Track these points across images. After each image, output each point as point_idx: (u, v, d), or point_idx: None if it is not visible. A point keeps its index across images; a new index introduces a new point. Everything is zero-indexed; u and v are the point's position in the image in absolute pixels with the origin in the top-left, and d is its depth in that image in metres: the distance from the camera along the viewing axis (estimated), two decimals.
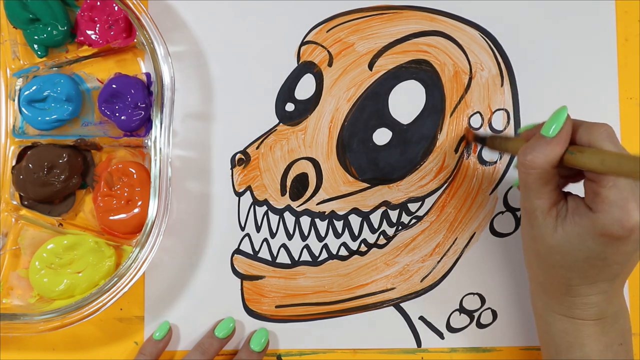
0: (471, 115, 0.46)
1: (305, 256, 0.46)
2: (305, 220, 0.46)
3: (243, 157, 0.47)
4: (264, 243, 0.46)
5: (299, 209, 0.46)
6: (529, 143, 0.35)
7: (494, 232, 0.46)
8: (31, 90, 0.45)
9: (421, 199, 0.46)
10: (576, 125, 0.35)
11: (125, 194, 0.45)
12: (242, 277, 0.46)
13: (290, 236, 0.46)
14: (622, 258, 0.34)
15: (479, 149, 0.46)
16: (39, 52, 0.46)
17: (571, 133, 0.35)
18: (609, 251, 0.34)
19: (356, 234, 0.46)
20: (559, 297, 0.37)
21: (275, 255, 0.46)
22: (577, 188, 0.37)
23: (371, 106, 0.46)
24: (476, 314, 0.46)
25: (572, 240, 0.34)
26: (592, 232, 0.33)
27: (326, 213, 0.46)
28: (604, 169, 0.32)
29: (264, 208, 0.46)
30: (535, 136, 0.35)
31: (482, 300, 0.46)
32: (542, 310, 0.38)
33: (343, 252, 0.46)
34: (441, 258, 0.46)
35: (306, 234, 0.46)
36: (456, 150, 0.46)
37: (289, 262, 0.46)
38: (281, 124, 0.47)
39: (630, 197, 0.32)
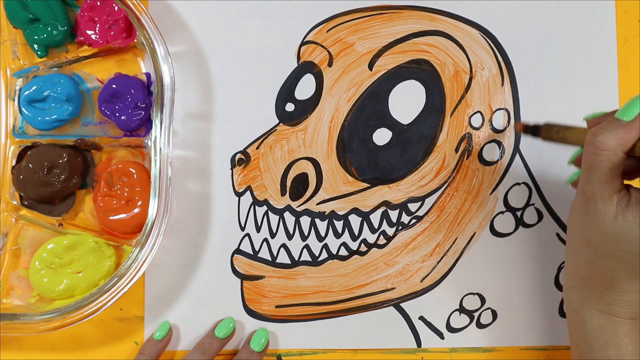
0: (472, 115, 0.46)
1: (305, 256, 0.46)
2: (305, 220, 0.46)
3: (243, 157, 0.47)
4: (264, 243, 0.46)
5: (299, 209, 0.46)
6: (602, 124, 0.34)
7: (494, 232, 0.46)
8: (31, 90, 0.45)
9: (421, 199, 0.46)
10: None
11: (125, 194, 0.45)
12: (242, 277, 0.46)
13: (290, 236, 0.46)
14: None
15: (511, 141, 0.44)
16: (39, 52, 0.46)
17: None
18: None
19: (356, 234, 0.46)
20: (600, 291, 0.35)
21: (275, 255, 0.46)
22: None
23: (371, 106, 0.46)
24: (476, 314, 0.46)
25: (632, 230, 0.33)
26: None
27: (326, 213, 0.46)
28: None
29: (264, 208, 0.46)
30: (609, 119, 0.34)
31: (482, 300, 0.46)
32: (577, 305, 0.37)
33: (343, 252, 0.46)
34: (441, 258, 0.46)
35: (306, 234, 0.46)
36: (456, 150, 0.46)
37: (289, 262, 0.46)
38: (281, 124, 0.47)
39: None
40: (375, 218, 0.46)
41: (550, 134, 0.39)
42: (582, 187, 0.35)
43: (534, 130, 0.41)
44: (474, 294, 0.46)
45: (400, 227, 0.46)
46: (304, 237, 0.46)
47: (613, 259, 0.34)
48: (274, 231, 0.46)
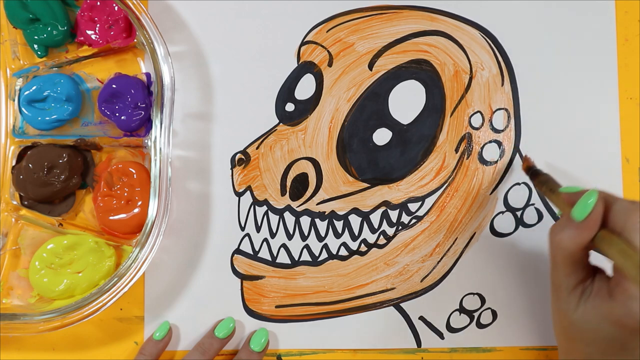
0: (472, 115, 0.46)
1: (305, 256, 0.46)
2: (305, 220, 0.46)
3: (243, 157, 0.47)
4: (264, 243, 0.46)
5: (299, 209, 0.46)
6: (560, 221, 0.35)
7: (494, 232, 0.46)
8: (31, 90, 0.45)
9: (421, 199, 0.46)
10: (610, 203, 0.34)
11: (125, 194, 0.45)
12: (242, 277, 0.46)
13: (290, 236, 0.46)
14: None
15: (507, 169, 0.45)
16: (39, 52, 0.46)
17: (603, 212, 0.34)
18: (628, 339, 0.33)
19: (356, 234, 0.46)
20: None
21: (275, 255, 0.46)
22: None
23: (371, 106, 0.46)
24: (476, 314, 0.46)
25: (591, 320, 0.34)
26: (609, 319, 0.33)
27: (326, 213, 0.46)
28: (623, 270, 0.32)
29: (264, 208, 0.46)
30: (566, 216, 0.35)
31: (482, 300, 0.46)
32: None
33: (343, 252, 0.46)
34: (441, 258, 0.46)
35: (306, 234, 0.46)
36: (456, 150, 0.46)
37: (289, 262, 0.46)
38: (281, 124, 0.47)
39: None
40: (375, 218, 0.46)
41: (541, 187, 0.41)
42: (551, 276, 0.37)
43: (533, 175, 0.43)
44: (474, 294, 0.46)
45: (400, 227, 0.46)
46: (304, 237, 0.46)
47: (583, 343, 0.35)
48: (274, 231, 0.46)
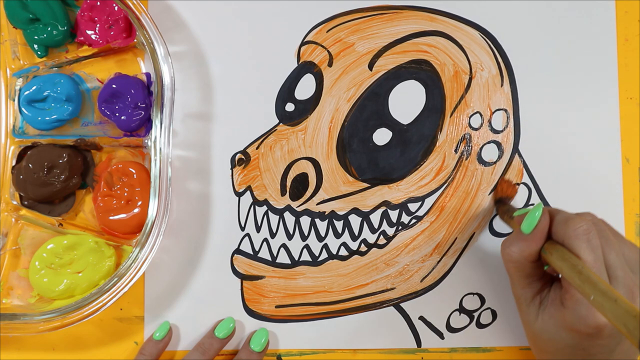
0: (471, 115, 0.46)
1: (305, 256, 0.46)
2: (305, 220, 0.46)
3: (243, 157, 0.47)
4: (264, 243, 0.46)
5: (299, 209, 0.46)
6: (510, 236, 0.37)
7: (493, 232, 0.46)
8: (31, 90, 0.45)
9: (421, 199, 0.46)
10: (553, 217, 0.36)
11: (125, 194, 0.45)
12: (242, 277, 0.46)
13: (290, 236, 0.46)
14: (603, 350, 0.34)
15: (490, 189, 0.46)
16: (39, 52, 0.46)
17: (548, 228, 0.35)
18: (586, 344, 0.34)
19: (356, 234, 0.46)
20: None
21: (275, 255, 0.46)
22: None
23: (371, 106, 0.46)
24: (476, 314, 0.46)
25: (550, 330, 0.35)
26: (564, 326, 0.34)
27: (326, 213, 0.46)
28: (566, 277, 0.33)
29: (264, 208, 0.46)
30: (516, 230, 0.37)
31: (482, 300, 0.46)
32: None
33: (343, 252, 0.46)
34: (441, 258, 0.46)
35: (306, 234, 0.46)
36: (456, 150, 0.46)
37: (289, 262, 0.46)
38: (281, 124, 0.47)
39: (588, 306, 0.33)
40: (375, 218, 0.46)
41: (502, 215, 0.43)
42: (511, 289, 0.38)
43: (498, 203, 0.45)
44: (473, 294, 0.46)
45: (400, 227, 0.46)
46: (304, 237, 0.46)
47: (549, 353, 0.36)
48: (274, 231, 0.46)
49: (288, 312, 0.46)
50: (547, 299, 0.36)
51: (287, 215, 0.46)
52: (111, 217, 0.44)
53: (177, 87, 0.46)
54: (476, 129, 0.46)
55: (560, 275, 0.36)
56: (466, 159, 0.46)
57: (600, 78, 0.46)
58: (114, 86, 0.44)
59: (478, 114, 0.46)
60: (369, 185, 0.46)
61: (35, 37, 0.45)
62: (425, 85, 0.46)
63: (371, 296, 0.46)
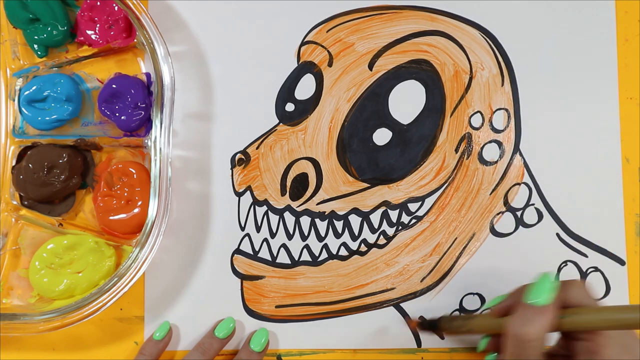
0: (472, 115, 0.46)
1: (305, 256, 0.46)
2: (305, 220, 0.46)
3: (243, 157, 0.47)
4: (264, 243, 0.46)
5: (299, 209, 0.46)
6: (518, 315, 0.33)
7: (494, 232, 0.46)
8: (31, 90, 0.45)
9: (421, 199, 0.46)
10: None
11: (125, 194, 0.45)
12: (242, 277, 0.46)
13: (290, 236, 0.46)
14: None
15: (424, 326, 0.44)
16: (39, 52, 0.46)
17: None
18: None
19: (356, 234, 0.46)
20: None
21: (275, 255, 0.46)
22: None
23: (371, 106, 0.46)
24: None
25: None
26: None
27: (326, 213, 0.46)
28: (609, 326, 0.32)
29: (264, 208, 0.46)
30: (522, 308, 0.34)
31: (482, 300, 0.46)
32: None
33: (343, 252, 0.46)
34: (441, 258, 0.46)
35: (306, 234, 0.46)
36: (456, 150, 0.46)
37: (289, 262, 0.46)
38: (281, 124, 0.47)
39: (628, 347, 0.33)
40: (375, 218, 0.46)
41: (452, 327, 0.40)
42: None
43: (432, 326, 0.42)
44: (474, 294, 0.46)
45: (400, 227, 0.46)
46: (304, 237, 0.46)
47: None
48: (274, 231, 0.46)
49: (288, 312, 0.46)
50: None
51: (287, 215, 0.46)
52: (111, 217, 0.44)
53: (177, 87, 0.46)
54: (477, 129, 0.46)
55: (578, 343, 0.35)
56: (467, 159, 0.46)
57: (600, 78, 0.46)
58: (114, 86, 0.44)
59: (479, 114, 0.46)
60: (369, 185, 0.46)
61: (35, 37, 0.45)
62: (425, 85, 0.46)
63: (371, 296, 0.46)
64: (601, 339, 0.33)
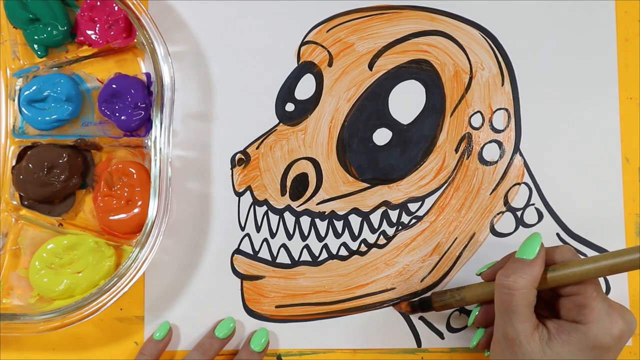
0: (472, 115, 0.46)
1: (305, 256, 0.46)
2: (305, 220, 0.46)
3: (243, 157, 0.47)
4: (264, 243, 0.46)
5: (299, 209, 0.46)
6: (507, 266, 0.36)
7: (494, 232, 0.46)
8: (31, 90, 0.45)
9: (421, 199, 0.46)
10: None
11: (125, 194, 0.45)
12: (242, 277, 0.46)
13: (290, 236, 0.46)
14: (614, 357, 0.35)
15: (417, 306, 0.44)
16: (39, 52, 0.46)
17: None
18: (604, 357, 0.34)
19: (356, 234, 0.46)
20: None
21: (275, 255, 0.46)
22: None
23: (371, 106, 0.46)
24: None
25: (564, 358, 0.34)
26: (585, 346, 0.34)
27: (326, 213, 0.46)
28: (590, 274, 0.34)
29: (264, 208, 0.46)
30: (511, 260, 0.36)
31: None
32: None
33: (343, 252, 0.46)
34: (441, 258, 0.46)
35: (306, 234, 0.46)
36: (456, 150, 0.46)
37: (289, 262, 0.46)
38: (281, 124, 0.47)
39: (613, 305, 0.35)
40: (375, 218, 0.46)
41: (445, 301, 0.41)
42: (503, 331, 0.36)
43: (424, 305, 0.42)
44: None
45: (400, 227, 0.46)
46: (304, 237, 0.46)
47: None
48: (274, 231, 0.46)
49: (288, 312, 0.46)
50: (547, 331, 0.35)
51: (287, 215, 0.46)
52: (111, 217, 0.44)
53: (177, 87, 0.46)
54: (477, 129, 0.46)
55: (567, 298, 0.36)
56: (467, 159, 0.46)
57: (600, 78, 0.46)
58: (114, 86, 0.44)
59: (479, 114, 0.46)
60: (369, 185, 0.46)
61: (35, 37, 0.45)
62: (425, 85, 0.46)
63: (371, 296, 0.46)
64: (589, 290, 0.34)
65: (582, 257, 0.36)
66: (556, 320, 0.36)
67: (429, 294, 0.44)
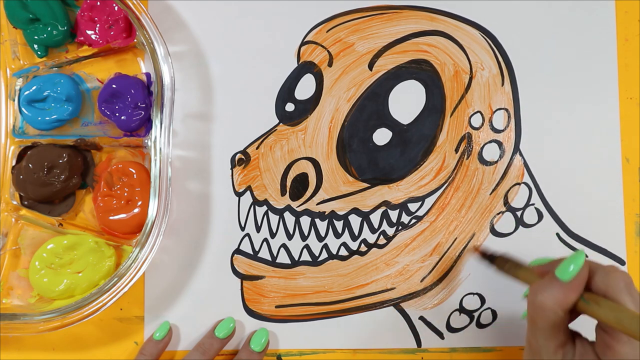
0: (472, 115, 0.46)
1: (305, 256, 0.46)
2: (305, 220, 0.46)
3: (243, 157, 0.47)
4: (264, 243, 0.46)
5: (299, 209, 0.46)
6: (542, 282, 0.34)
7: (494, 232, 0.46)
8: (31, 90, 0.45)
9: (421, 199, 0.46)
10: (592, 269, 0.34)
11: (125, 194, 0.45)
12: (242, 277, 0.46)
13: (290, 236, 0.46)
14: None
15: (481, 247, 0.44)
16: (39, 52, 0.46)
17: (587, 278, 0.34)
18: None
19: (356, 234, 0.46)
20: None
21: (275, 255, 0.46)
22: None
23: (371, 106, 0.46)
24: (476, 314, 0.46)
25: None
26: None
27: (326, 213, 0.46)
28: (620, 328, 0.31)
29: (264, 208, 0.46)
30: (549, 276, 0.34)
31: (482, 300, 0.46)
32: None
33: (343, 252, 0.46)
34: (441, 258, 0.46)
35: (306, 234, 0.46)
36: (456, 150, 0.46)
37: (289, 262, 0.46)
38: (281, 124, 0.47)
39: None
40: (375, 218, 0.46)
41: (504, 267, 0.40)
42: (529, 339, 0.35)
43: (491, 258, 0.41)
44: (474, 294, 0.46)
45: (400, 227, 0.46)
46: (304, 237, 0.46)
47: None
48: (274, 231, 0.46)
49: (288, 312, 0.46)
50: (573, 353, 0.34)
51: (287, 215, 0.46)
52: (111, 217, 0.44)
53: (177, 87, 0.46)
54: (477, 129, 0.46)
55: (596, 329, 0.34)
56: (467, 159, 0.46)
57: (600, 78, 0.46)
58: (114, 86, 0.44)
59: (479, 114, 0.46)
60: (369, 185, 0.46)
61: (35, 37, 0.45)
62: (425, 85, 0.46)
63: (371, 296, 0.46)
64: (619, 334, 0.32)
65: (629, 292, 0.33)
66: (587, 345, 0.34)
67: (498, 254, 0.41)
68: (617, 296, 0.32)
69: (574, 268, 0.33)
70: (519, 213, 0.46)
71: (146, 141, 0.45)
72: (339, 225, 0.46)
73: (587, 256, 0.34)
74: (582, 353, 0.34)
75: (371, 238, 0.46)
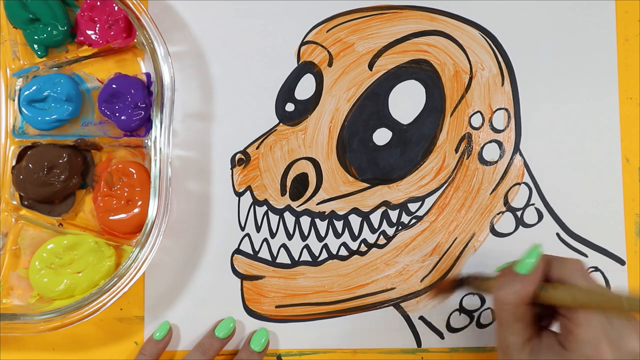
0: (472, 115, 0.46)
1: (305, 256, 0.46)
2: (305, 220, 0.46)
3: (243, 157, 0.47)
4: (264, 243, 0.46)
5: (299, 209, 0.46)
6: (502, 280, 0.36)
7: (494, 232, 0.46)
8: (31, 90, 0.45)
9: (421, 199, 0.46)
10: (549, 261, 0.35)
11: (125, 194, 0.45)
12: (242, 277, 0.46)
13: (290, 236, 0.46)
14: None
15: (460, 278, 0.44)
16: (39, 52, 0.46)
17: (544, 269, 0.35)
18: None
19: (356, 234, 0.46)
20: None
21: (275, 255, 0.46)
22: None
23: (371, 106, 0.46)
24: (476, 314, 0.46)
25: None
26: None
27: (326, 213, 0.46)
28: (576, 304, 0.33)
29: (264, 208, 0.46)
30: (509, 273, 0.36)
31: (482, 300, 0.46)
32: None
33: (343, 252, 0.46)
34: (441, 258, 0.46)
35: (306, 234, 0.46)
36: (456, 150, 0.46)
37: (289, 262, 0.46)
38: (281, 124, 0.47)
39: (602, 336, 0.32)
40: (375, 218, 0.46)
41: (476, 286, 0.41)
42: (497, 339, 0.36)
43: (460, 283, 0.44)
44: (474, 294, 0.46)
45: (400, 227, 0.46)
46: (304, 237, 0.46)
47: None
48: (274, 231, 0.46)
49: (288, 312, 0.46)
50: (539, 346, 0.35)
51: (287, 215, 0.46)
52: (111, 217, 0.44)
53: (177, 87, 0.46)
54: (477, 129, 0.46)
55: (560, 318, 0.35)
56: (467, 159, 0.46)
57: (600, 78, 0.46)
58: (114, 86, 0.44)
59: (479, 114, 0.46)
60: (369, 185, 0.46)
61: (35, 37, 0.45)
62: (425, 85, 0.46)
63: (371, 296, 0.46)
64: (578, 317, 0.33)
65: (589, 270, 0.35)
66: (552, 336, 0.35)
67: (465, 276, 0.43)
68: (571, 280, 0.34)
69: (531, 261, 0.35)
70: (519, 213, 0.46)
71: (146, 141, 0.45)
72: (339, 225, 0.46)
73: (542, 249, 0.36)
74: (548, 344, 0.35)
75: (371, 238, 0.46)
